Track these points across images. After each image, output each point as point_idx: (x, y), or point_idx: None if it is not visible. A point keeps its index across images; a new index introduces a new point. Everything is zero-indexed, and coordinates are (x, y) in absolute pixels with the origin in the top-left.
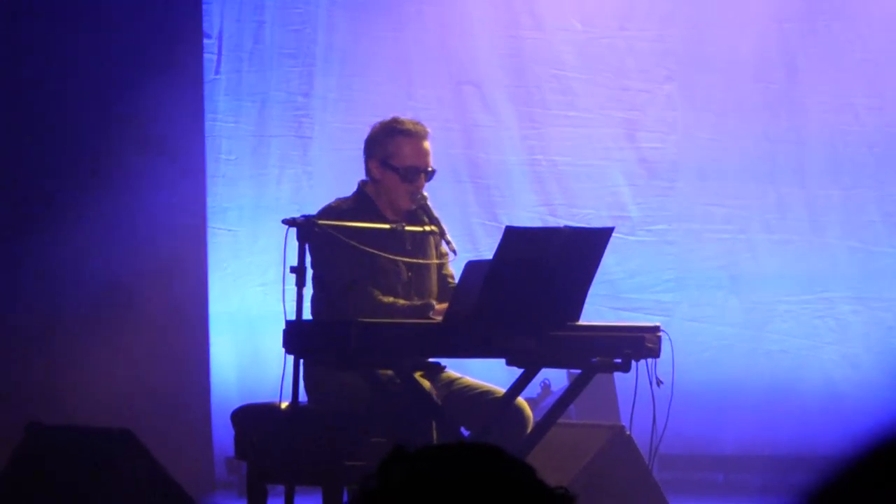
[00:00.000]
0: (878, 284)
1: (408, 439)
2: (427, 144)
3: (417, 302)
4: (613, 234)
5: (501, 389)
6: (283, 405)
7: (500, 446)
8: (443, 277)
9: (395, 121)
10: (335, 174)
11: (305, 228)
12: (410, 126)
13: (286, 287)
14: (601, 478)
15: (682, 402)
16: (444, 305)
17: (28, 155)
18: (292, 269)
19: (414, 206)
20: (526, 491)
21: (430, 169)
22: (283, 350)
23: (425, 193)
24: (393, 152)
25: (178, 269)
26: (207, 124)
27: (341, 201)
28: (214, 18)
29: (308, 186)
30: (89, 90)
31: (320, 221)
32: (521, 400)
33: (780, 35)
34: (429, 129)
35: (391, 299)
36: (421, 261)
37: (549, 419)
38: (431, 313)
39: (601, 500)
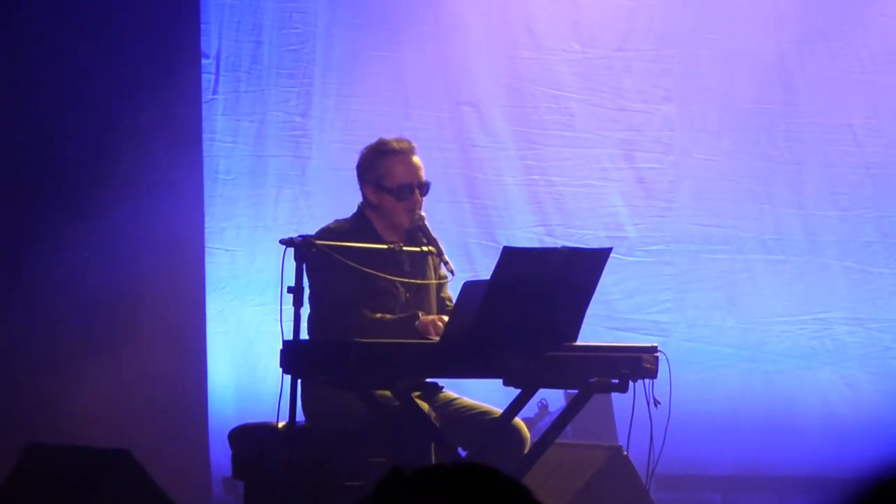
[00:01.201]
0: (875, 305)
1: (405, 459)
2: (416, 159)
3: (404, 314)
4: (611, 255)
5: (499, 410)
6: (281, 425)
7: (497, 466)
8: (441, 300)
9: (380, 143)
10: (333, 194)
11: (303, 248)
12: (396, 145)
13: (284, 307)
14: (599, 498)
15: (680, 423)
16: (431, 317)
17: (25, 175)
18: (290, 290)
19: (414, 224)
20: None
21: (423, 182)
22: (281, 370)
23: (423, 213)
24: (384, 174)
25: (176, 289)
26: (205, 144)
27: (340, 223)
28: (212, 38)
29: (306, 206)
30: (87, 110)
31: (318, 241)
32: (518, 420)
33: (778, 56)
34: (414, 144)
35: (379, 315)
36: (419, 281)
37: (546, 439)
38: (417, 323)
39: None
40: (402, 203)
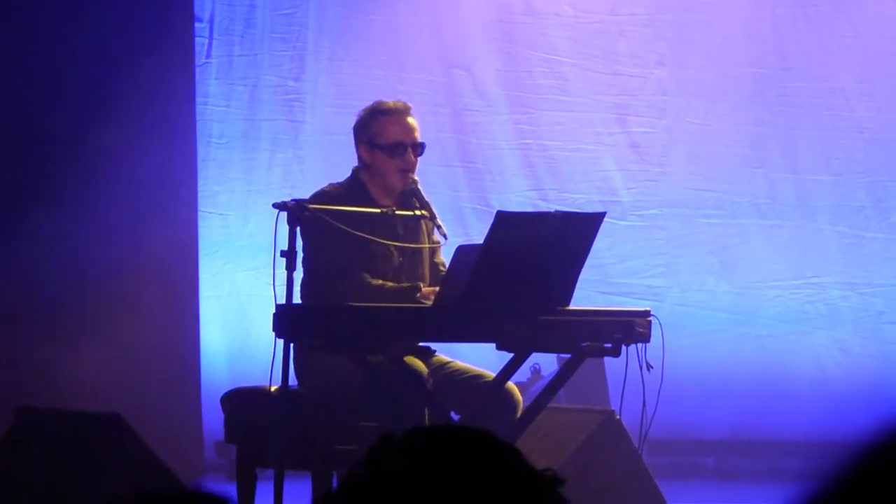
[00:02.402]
0: (867, 270)
1: (398, 424)
2: (411, 120)
3: (405, 284)
4: (604, 219)
5: (491, 374)
6: (273, 389)
7: (490, 430)
8: (434, 265)
9: (377, 103)
10: (326, 158)
11: (296, 212)
12: (392, 104)
13: (277, 271)
14: (591, 462)
15: (672, 387)
16: (432, 288)
17: (18, 138)
18: (283, 253)
19: (406, 186)
20: (513, 473)
21: (417, 143)
22: (274, 334)
23: (416, 178)
24: (378, 132)
25: (169, 253)
26: (198, 108)
27: (334, 186)
28: (206, 2)
29: (299, 170)
30: (80, 74)
31: (311, 206)
32: (510, 384)
33: (772, 20)
34: (411, 105)
35: (380, 282)
36: (413, 245)
37: (538, 404)
38: (419, 295)
39: (591, 484)
40: (395, 161)
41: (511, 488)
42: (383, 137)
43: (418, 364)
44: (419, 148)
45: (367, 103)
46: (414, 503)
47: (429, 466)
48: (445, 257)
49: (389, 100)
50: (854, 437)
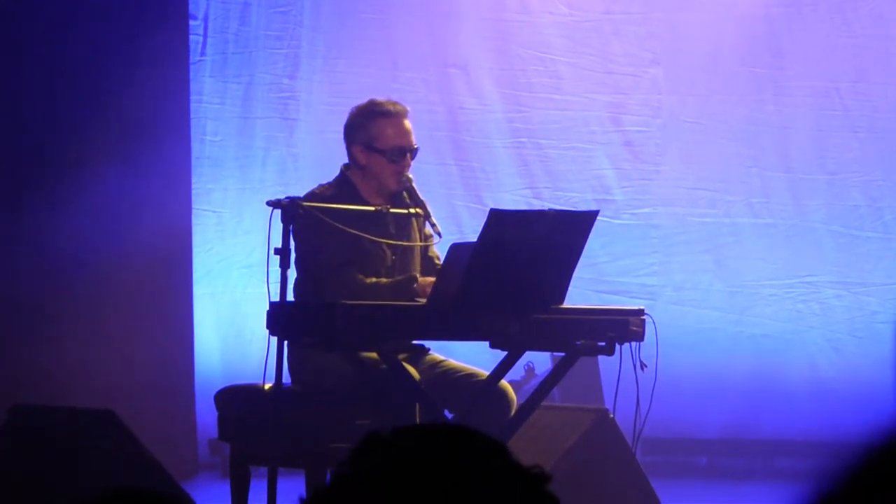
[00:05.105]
0: (861, 269)
1: (391, 422)
2: (408, 123)
3: (400, 277)
4: (598, 218)
5: (485, 372)
6: (267, 387)
7: (484, 429)
8: (429, 259)
9: (372, 103)
10: (320, 156)
11: (290, 210)
12: (390, 107)
13: (270, 269)
14: (585, 461)
15: (666, 386)
16: (428, 279)
17: (13, 136)
18: (276, 251)
19: (402, 188)
20: (499, 470)
21: (414, 147)
22: (267, 332)
23: (410, 175)
24: (376, 135)
25: (163, 251)
26: (193, 106)
27: (324, 188)
28: (200, 0)
29: (293, 168)
30: (75, 71)
31: (305, 203)
32: (504, 383)
33: (766, 19)
34: (408, 108)
35: (374, 279)
36: (405, 243)
37: (532, 402)
38: (416, 286)
39: (584, 483)
40: (393, 165)
41: (497, 485)
42: (382, 142)
43: (410, 370)
44: (415, 153)
45: (359, 101)
46: (400, 501)
47: (414, 464)
48: (440, 253)
49: (381, 98)
50: (850, 437)
